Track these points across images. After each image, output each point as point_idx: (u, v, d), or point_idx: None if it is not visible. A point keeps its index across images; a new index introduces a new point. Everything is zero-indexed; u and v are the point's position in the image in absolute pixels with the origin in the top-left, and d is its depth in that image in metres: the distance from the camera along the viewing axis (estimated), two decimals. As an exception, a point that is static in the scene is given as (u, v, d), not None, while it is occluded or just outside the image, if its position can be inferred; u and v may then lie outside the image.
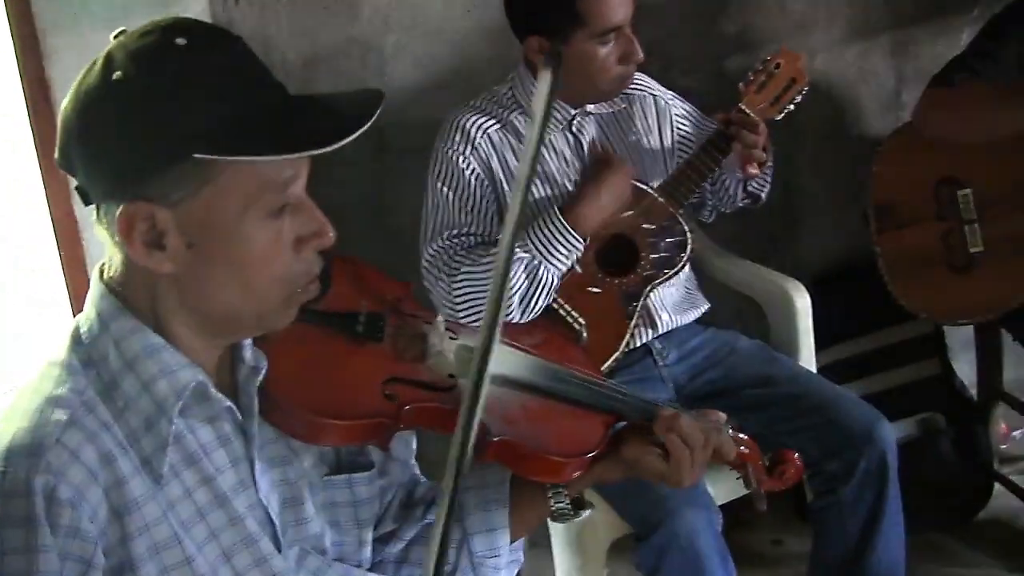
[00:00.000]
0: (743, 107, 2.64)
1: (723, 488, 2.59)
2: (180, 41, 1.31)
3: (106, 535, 1.32)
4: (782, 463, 1.97)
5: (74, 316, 1.47)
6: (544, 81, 1.23)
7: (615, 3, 2.56)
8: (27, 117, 2.51)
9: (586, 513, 1.82)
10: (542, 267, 2.55)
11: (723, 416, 1.85)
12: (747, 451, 1.91)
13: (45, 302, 2.69)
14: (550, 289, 2.57)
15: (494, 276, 1.21)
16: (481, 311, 2.45)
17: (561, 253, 2.56)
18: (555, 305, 2.61)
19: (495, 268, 1.23)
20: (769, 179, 2.90)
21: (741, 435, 1.90)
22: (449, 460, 1.09)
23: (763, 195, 2.93)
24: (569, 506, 1.79)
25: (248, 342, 1.52)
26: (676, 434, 1.75)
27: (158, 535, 1.37)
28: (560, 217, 2.57)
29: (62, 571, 1.27)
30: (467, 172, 2.64)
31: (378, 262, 3.04)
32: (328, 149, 1.30)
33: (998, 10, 3.11)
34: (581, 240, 2.58)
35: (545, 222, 2.58)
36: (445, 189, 2.64)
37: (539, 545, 2.88)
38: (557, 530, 2.66)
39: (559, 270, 2.58)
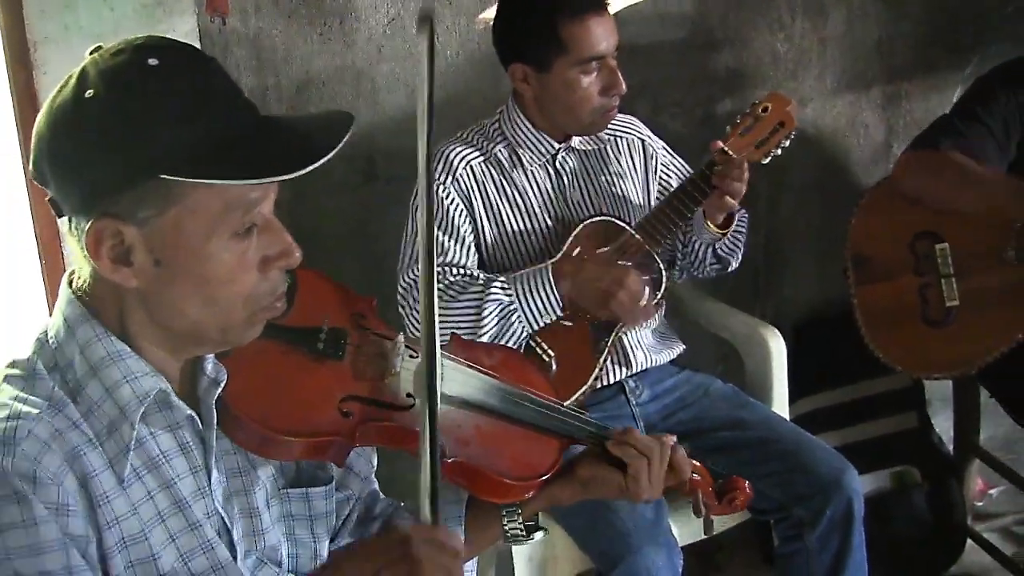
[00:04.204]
0: (726, 149, 2.64)
1: (687, 529, 2.59)
2: (152, 62, 1.33)
3: (88, 518, 1.35)
4: (732, 490, 2.01)
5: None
6: (423, 37, 1.32)
7: (598, 32, 2.58)
8: (15, 127, 2.53)
9: (539, 535, 1.85)
10: (516, 314, 2.55)
11: (672, 438, 1.88)
12: (698, 477, 1.95)
13: (26, 312, 2.70)
14: (518, 337, 2.58)
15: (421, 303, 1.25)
16: None
17: (538, 306, 2.55)
18: (526, 335, 2.62)
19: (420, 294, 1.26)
20: (741, 244, 2.89)
21: (694, 462, 1.92)
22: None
23: (733, 261, 2.92)
24: (522, 528, 1.82)
25: (210, 354, 1.54)
26: (631, 446, 1.81)
27: (127, 529, 1.39)
28: (550, 271, 2.57)
29: (65, 544, 1.30)
30: (446, 202, 2.64)
31: (363, 286, 3.05)
32: (294, 175, 1.32)
33: (985, 72, 3.14)
34: (560, 303, 2.57)
35: (535, 271, 2.58)
36: (424, 218, 2.64)
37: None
38: (520, 564, 2.66)
39: (530, 322, 2.57)
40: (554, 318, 2.60)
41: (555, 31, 2.57)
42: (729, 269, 2.95)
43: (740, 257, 2.94)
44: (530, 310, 2.56)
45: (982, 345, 2.91)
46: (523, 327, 2.57)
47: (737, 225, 2.80)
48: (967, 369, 2.99)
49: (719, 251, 2.84)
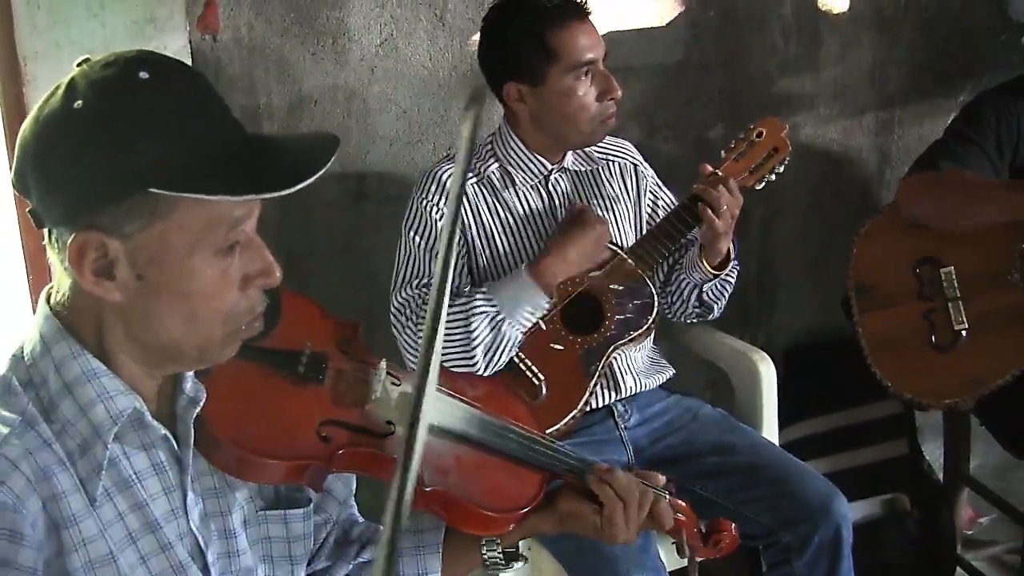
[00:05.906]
0: (719, 172, 2.64)
1: (675, 555, 2.57)
2: (143, 75, 1.32)
3: (44, 547, 1.33)
4: (718, 532, 1.97)
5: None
6: (467, 122, 1.26)
7: (584, 38, 2.59)
8: (4, 142, 2.53)
9: (518, 565, 1.83)
10: (506, 322, 2.54)
11: (663, 479, 1.85)
12: (683, 518, 1.90)
13: (12, 326, 2.69)
14: (514, 344, 2.57)
15: (426, 325, 1.22)
16: (444, 361, 2.44)
17: (525, 309, 2.56)
18: (516, 359, 2.60)
19: (427, 316, 1.24)
20: (727, 293, 2.87)
21: (679, 502, 1.90)
22: (387, 511, 1.10)
23: (716, 308, 2.90)
24: (501, 557, 1.80)
25: (190, 373, 1.53)
26: (609, 487, 1.78)
27: (94, 552, 1.38)
28: (526, 273, 2.57)
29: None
30: (439, 223, 2.63)
31: (353, 305, 3.05)
32: (283, 193, 1.31)
33: (974, 96, 3.14)
34: (545, 297, 2.57)
35: (511, 277, 2.59)
36: (417, 239, 2.64)
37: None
38: (508, 587, 2.65)
39: (523, 325, 2.57)
40: (544, 312, 2.59)
41: (544, 41, 2.57)
42: (710, 317, 2.93)
43: (723, 306, 2.92)
44: (518, 312, 2.55)
45: (993, 367, 2.89)
46: (517, 331, 2.56)
47: (728, 272, 2.79)
48: (979, 391, 2.93)
49: (705, 295, 2.82)
